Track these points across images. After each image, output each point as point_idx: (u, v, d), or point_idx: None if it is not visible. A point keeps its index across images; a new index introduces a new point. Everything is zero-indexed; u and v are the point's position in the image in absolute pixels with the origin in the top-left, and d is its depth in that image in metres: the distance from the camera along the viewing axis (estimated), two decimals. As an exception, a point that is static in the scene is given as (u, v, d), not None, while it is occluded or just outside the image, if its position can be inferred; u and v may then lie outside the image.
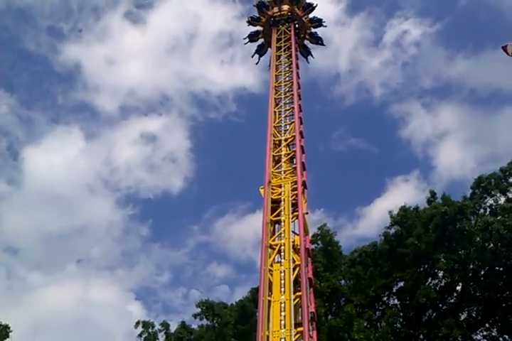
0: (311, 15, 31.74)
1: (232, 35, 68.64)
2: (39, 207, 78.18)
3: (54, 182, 77.28)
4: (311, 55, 32.41)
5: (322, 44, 32.34)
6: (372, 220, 66.47)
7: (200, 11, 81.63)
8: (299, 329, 15.92)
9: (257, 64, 32.41)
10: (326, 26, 32.23)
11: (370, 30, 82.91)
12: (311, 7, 31.55)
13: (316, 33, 31.99)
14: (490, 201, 32.35)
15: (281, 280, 17.38)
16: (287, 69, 27.55)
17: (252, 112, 68.69)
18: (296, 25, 30.97)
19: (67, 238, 79.08)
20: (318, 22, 31.81)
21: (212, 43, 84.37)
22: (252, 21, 32.18)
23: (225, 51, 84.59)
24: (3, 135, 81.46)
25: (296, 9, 30.97)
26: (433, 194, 33.44)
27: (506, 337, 30.74)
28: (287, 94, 25.90)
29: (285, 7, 31.00)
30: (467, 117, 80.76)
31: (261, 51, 32.05)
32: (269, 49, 30.93)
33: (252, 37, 32.27)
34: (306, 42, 32.07)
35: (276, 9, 31.12)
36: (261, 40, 32.11)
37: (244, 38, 32.61)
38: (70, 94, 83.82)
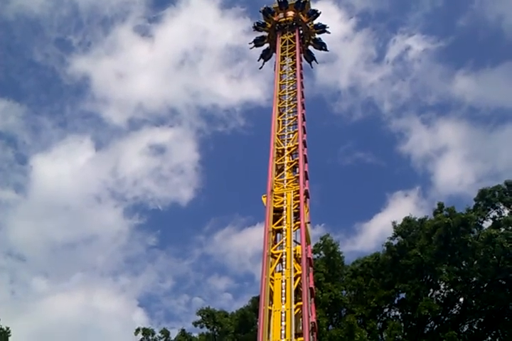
0: (315, 22, 32.07)
1: (240, 50, 69.17)
2: (46, 216, 78.79)
3: (61, 191, 77.70)
4: (315, 61, 32.75)
5: (326, 49, 32.72)
6: (371, 236, 66.79)
7: (210, 26, 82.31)
8: (300, 339, 15.77)
9: (260, 69, 32.74)
10: (329, 33, 32.62)
11: (373, 45, 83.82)
12: (315, 13, 31.94)
13: (320, 38, 32.36)
14: (493, 213, 32.29)
15: (282, 289, 17.26)
16: (291, 78, 27.67)
17: (259, 125, 69.29)
18: (301, 31, 31.16)
19: (74, 247, 79.36)
20: (322, 28, 32.19)
21: (221, 58, 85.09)
22: (257, 27, 32.56)
23: (233, 65, 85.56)
24: (12, 143, 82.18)
25: (301, 15, 31.28)
26: (441, 206, 33.19)
27: (508, 350, 30.50)
28: (291, 104, 25.97)
29: (290, 13, 31.33)
30: (468, 134, 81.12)
31: (266, 56, 32.40)
32: (274, 54, 31.16)
33: (258, 42, 32.66)
34: (310, 47, 32.39)
35: (281, 15, 31.49)
36: (266, 45, 32.46)
37: (250, 43, 33.03)
38: (78, 105, 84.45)
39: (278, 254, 18.67)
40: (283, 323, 16.21)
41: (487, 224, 32.02)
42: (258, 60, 32.77)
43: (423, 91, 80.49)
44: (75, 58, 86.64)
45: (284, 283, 17.43)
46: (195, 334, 36.81)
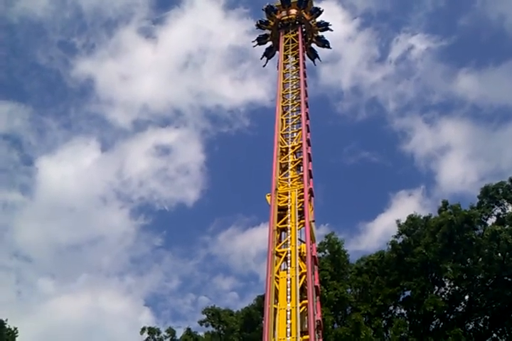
0: (318, 19, 32.03)
1: (244, 51, 69.18)
2: (52, 217, 78.90)
3: (67, 193, 77.95)
4: (318, 58, 32.73)
5: (329, 47, 32.70)
6: (375, 236, 66.89)
7: (213, 27, 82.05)
8: (305, 337, 15.81)
9: (264, 66, 32.79)
10: (332, 30, 32.47)
11: (376, 45, 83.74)
12: (318, 11, 31.90)
13: (322, 36, 32.29)
14: (497, 210, 32.23)
15: (287, 288, 17.29)
16: (294, 77, 27.63)
17: (263, 126, 68.99)
18: (303, 29, 31.18)
19: (80, 249, 79.64)
20: (324, 26, 32.15)
21: (224, 59, 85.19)
22: (260, 25, 32.53)
23: (236, 66, 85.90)
24: (18, 145, 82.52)
25: (303, 13, 31.21)
26: (445, 204, 33.14)
27: (514, 347, 30.50)
28: (294, 102, 25.91)
29: (293, 11, 31.26)
30: (471, 132, 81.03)
31: (269, 54, 32.39)
32: (277, 52, 31.18)
33: (261, 40, 32.64)
34: (313, 45, 32.39)
35: (284, 13, 31.39)
36: (269, 43, 32.43)
37: (253, 41, 32.96)
38: (82, 107, 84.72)
39: (283, 253, 18.70)
40: (288, 321, 16.24)
41: (492, 221, 32.05)
42: (261, 58, 32.78)
43: (426, 91, 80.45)
44: (79, 60, 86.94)
45: (289, 282, 17.45)
46: (201, 333, 36.97)
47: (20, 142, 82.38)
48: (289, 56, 29.11)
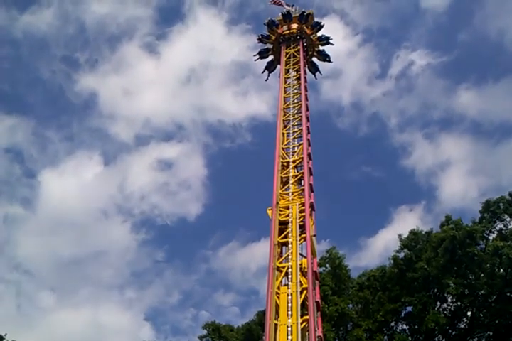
0: (319, 34, 32.23)
1: (246, 66, 69.56)
2: (53, 231, 78.39)
3: (69, 206, 77.59)
4: (319, 72, 32.86)
5: (329, 61, 32.90)
6: (376, 251, 66.49)
7: (216, 43, 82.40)
8: (306, 353, 15.66)
9: (266, 80, 32.90)
10: (333, 44, 32.70)
11: (376, 61, 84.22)
12: (319, 26, 32.16)
13: (323, 50, 32.51)
14: (499, 225, 32.06)
15: (288, 303, 17.14)
16: (296, 91, 27.73)
17: (265, 141, 68.99)
18: (305, 43, 31.34)
19: (81, 263, 79.13)
20: (325, 40, 32.38)
21: (227, 74, 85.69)
22: (262, 39, 32.75)
23: (239, 81, 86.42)
24: (20, 159, 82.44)
25: (304, 28, 31.43)
26: (448, 219, 32.89)
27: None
28: (295, 116, 25.95)
29: (294, 26, 31.47)
30: (471, 148, 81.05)
31: (270, 68, 32.55)
32: (278, 66, 31.32)
33: (262, 54, 32.82)
34: (314, 59, 32.55)
35: (285, 27, 31.60)
36: (270, 57, 32.59)
37: (255, 55, 33.14)
38: (85, 122, 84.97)
39: (284, 267, 18.57)
40: (289, 337, 16.07)
41: (494, 236, 31.80)
42: (262, 72, 32.95)
43: (426, 106, 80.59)
44: (82, 75, 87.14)
45: (290, 297, 17.31)
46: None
47: (22, 155, 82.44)
48: (290, 70, 29.25)
